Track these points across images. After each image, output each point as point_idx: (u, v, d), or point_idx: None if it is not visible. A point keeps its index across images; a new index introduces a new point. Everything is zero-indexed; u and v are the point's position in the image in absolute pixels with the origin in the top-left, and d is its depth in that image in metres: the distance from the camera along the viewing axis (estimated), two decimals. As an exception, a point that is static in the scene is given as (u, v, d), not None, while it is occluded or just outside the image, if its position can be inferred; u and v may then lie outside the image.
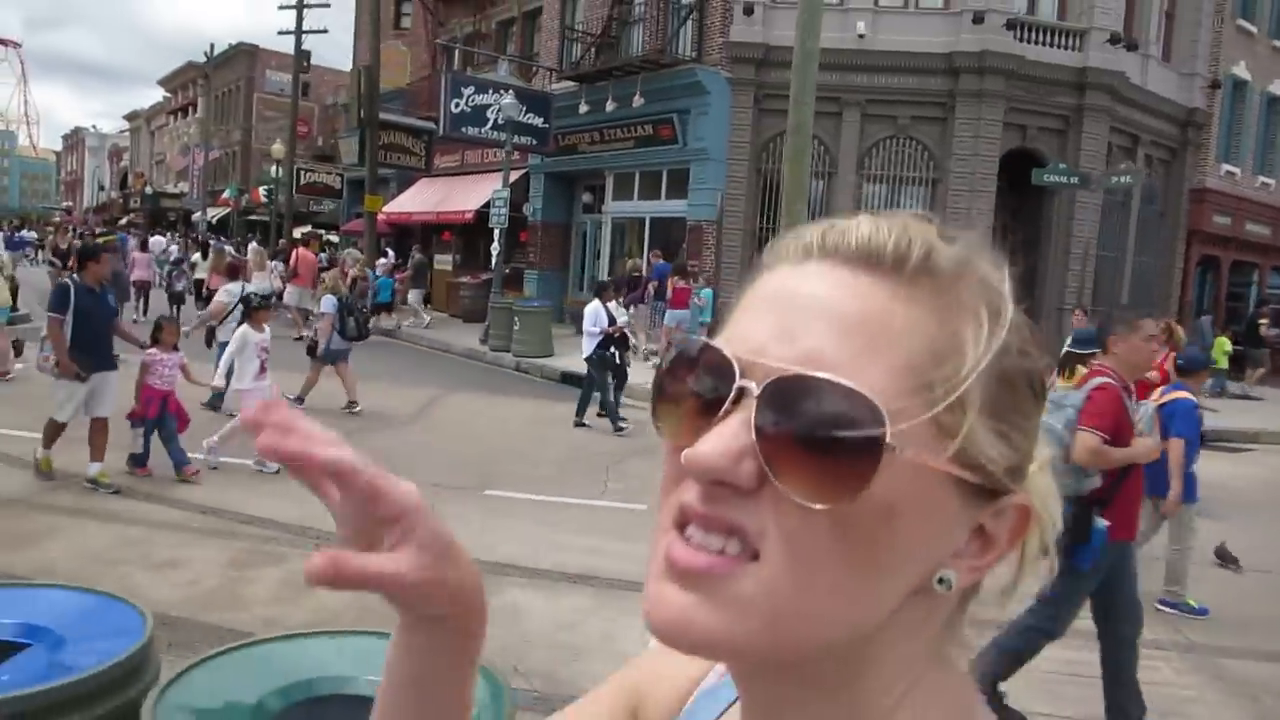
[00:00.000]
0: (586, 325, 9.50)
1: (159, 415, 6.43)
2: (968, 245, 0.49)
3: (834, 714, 0.50)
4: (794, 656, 0.47)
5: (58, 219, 62.96)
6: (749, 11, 16.25)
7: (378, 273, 19.74)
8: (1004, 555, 0.50)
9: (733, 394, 0.45)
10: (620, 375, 9.76)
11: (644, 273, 16.54)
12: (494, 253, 16.30)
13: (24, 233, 29.86)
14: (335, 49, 78.50)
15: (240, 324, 7.00)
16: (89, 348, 6.20)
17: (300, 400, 9.50)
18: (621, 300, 16.31)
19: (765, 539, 0.44)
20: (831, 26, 14.02)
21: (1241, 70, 20.02)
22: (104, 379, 6.27)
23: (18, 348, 10.55)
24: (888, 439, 0.42)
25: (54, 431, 6.20)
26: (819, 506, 0.43)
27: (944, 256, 0.48)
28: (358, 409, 9.56)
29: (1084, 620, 5.27)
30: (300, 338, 13.23)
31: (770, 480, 0.44)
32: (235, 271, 10.32)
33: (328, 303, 9.87)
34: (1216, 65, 19.34)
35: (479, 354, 15.31)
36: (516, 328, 14.54)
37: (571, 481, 7.51)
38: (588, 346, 9.49)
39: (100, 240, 14.82)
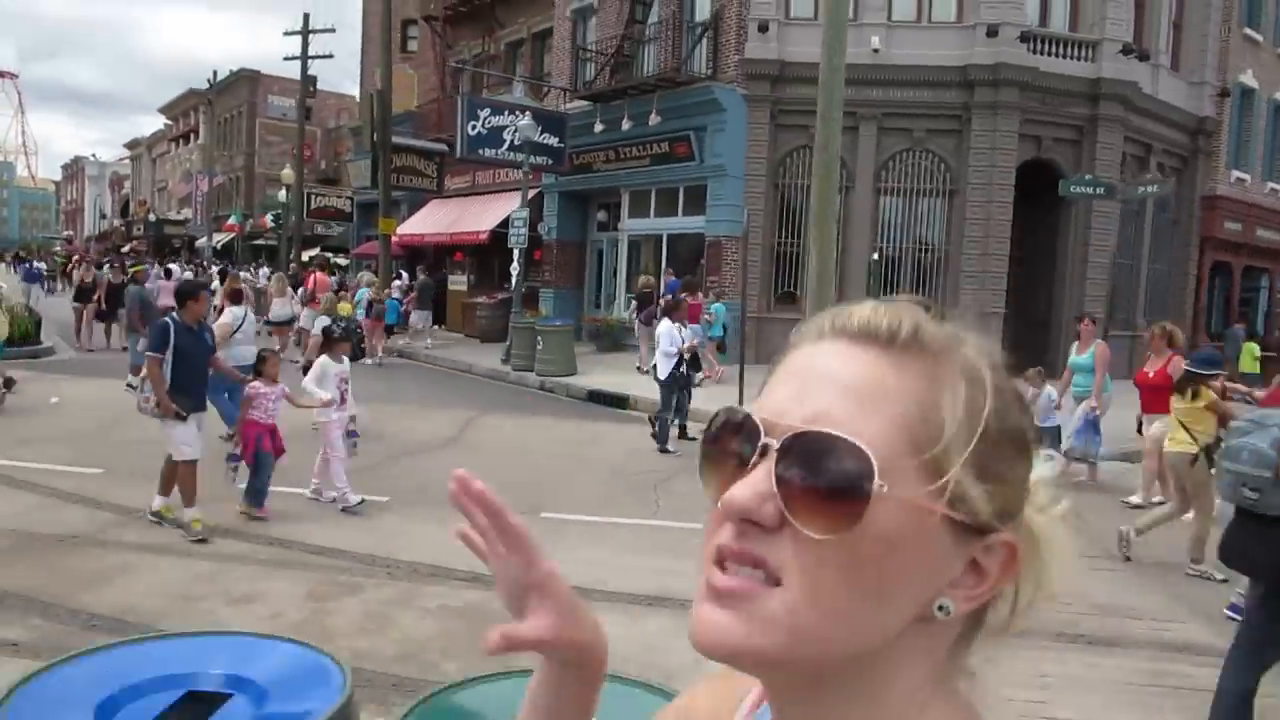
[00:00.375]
0: (664, 346, 9.43)
1: (270, 450, 6.38)
2: (954, 325, 0.59)
3: None
4: (813, 667, 0.55)
5: (58, 248, 63.05)
6: (764, 29, 16.37)
7: (393, 295, 19.80)
8: (996, 587, 0.57)
9: (759, 449, 0.55)
10: (687, 395, 9.77)
11: (656, 289, 16.54)
12: (514, 273, 16.31)
13: (37, 264, 29.82)
14: (337, 72, 78.73)
15: (319, 354, 6.94)
16: (188, 388, 6.09)
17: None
18: (639, 317, 16.41)
19: (785, 570, 0.53)
20: (847, 41, 14.06)
21: (1249, 78, 20.16)
22: (201, 418, 6.19)
23: (9, 383, 10.37)
24: (875, 479, 0.51)
25: (188, 475, 6.00)
26: (821, 536, 0.52)
27: (930, 333, 0.57)
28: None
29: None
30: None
31: (788, 520, 0.53)
32: (238, 296, 10.33)
33: (320, 324, 10.04)
34: (1225, 74, 19.48)
35: (502, 374, 15.30)
36: (540, 347, 14.54)
37: (623, 502, 7.48)
38: (664, 367, 9.39)
39: (131, 270, 14.79)
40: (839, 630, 0.53)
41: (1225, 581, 6.16)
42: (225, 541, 5.90)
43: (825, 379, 0.55)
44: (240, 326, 9.30)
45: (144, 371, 6.16)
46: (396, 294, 20.11)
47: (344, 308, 19.21)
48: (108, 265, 18.87)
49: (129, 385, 11.49)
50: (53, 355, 15.00)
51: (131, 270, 14.83)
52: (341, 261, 31.85)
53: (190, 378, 6.12)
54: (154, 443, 8.81)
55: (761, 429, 0.55)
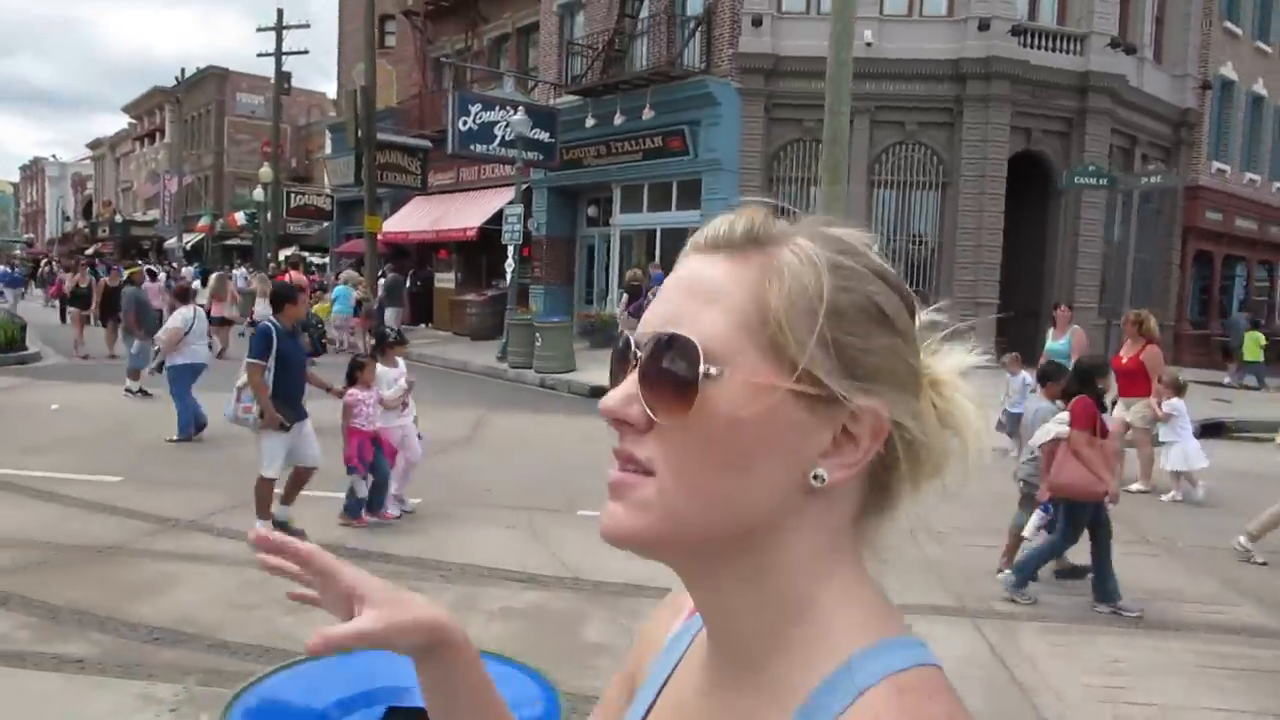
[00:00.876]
0: None
1: (375, 457, 6.18)
2: (794, 222, 0.63)
3: (761, 598, 0.61)
4: (698, 544, 0.60)
5: (19, 251, 61.56)
6: (757, 23, 16.34)
7: (378, 293, 19.58)
8: (869, 453, 0.59)
9: (631, 359, 0.61)
10: None
11: (644, 282, 16.48)
12: (508, 269, 16.15)
13: (17, 269, 29.06)
14: (306, 69, 77.27)
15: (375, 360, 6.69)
16: (289, 395, 5.81)
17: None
18: (628, 310, 16.32)
19: (654, 461, 0.58)
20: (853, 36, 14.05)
21: (1229, 71, 20.51)
22: (301, 426, 5.90)
23: None
24: (703, 364, 0.56)
25: (267, 492, 5.78)
26: (668, 422, 0.57)
27: (765, 230, 0.61)
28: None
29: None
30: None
31: (652, 418, 0.58)
32: (185, 295, 10.17)
33: None
34: (1206, 67, 19.80)
35: (499, 371, 15.14)
36: (538, 344, 14.42)
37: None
38: None
39: (127, 272, 14.41)
40: (706, 505, 0.58)
41: (1265, 564, 6.25)
42: (268, 547, 5.73)
43: (678, 288, 0.61)
44: (192, 327, 9.18)
45: (242, 379, 5.81)
46: (382, 292, 19.88)
47: (321, 309, 18.97)
48: (103, 268, 18.35)
49: (128, 390, 11.23)
50: (39, 361, 14.61)
51: (128, 272, 14.44)
52: (317, 260, 31.43)
53: (291, 385, 5.82)
54: (163, 449, 8.66)
55: (633, 341, 0.61)
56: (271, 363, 5.71)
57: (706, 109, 16.54)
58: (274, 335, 5.78)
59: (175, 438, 8.88)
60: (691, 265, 0.62)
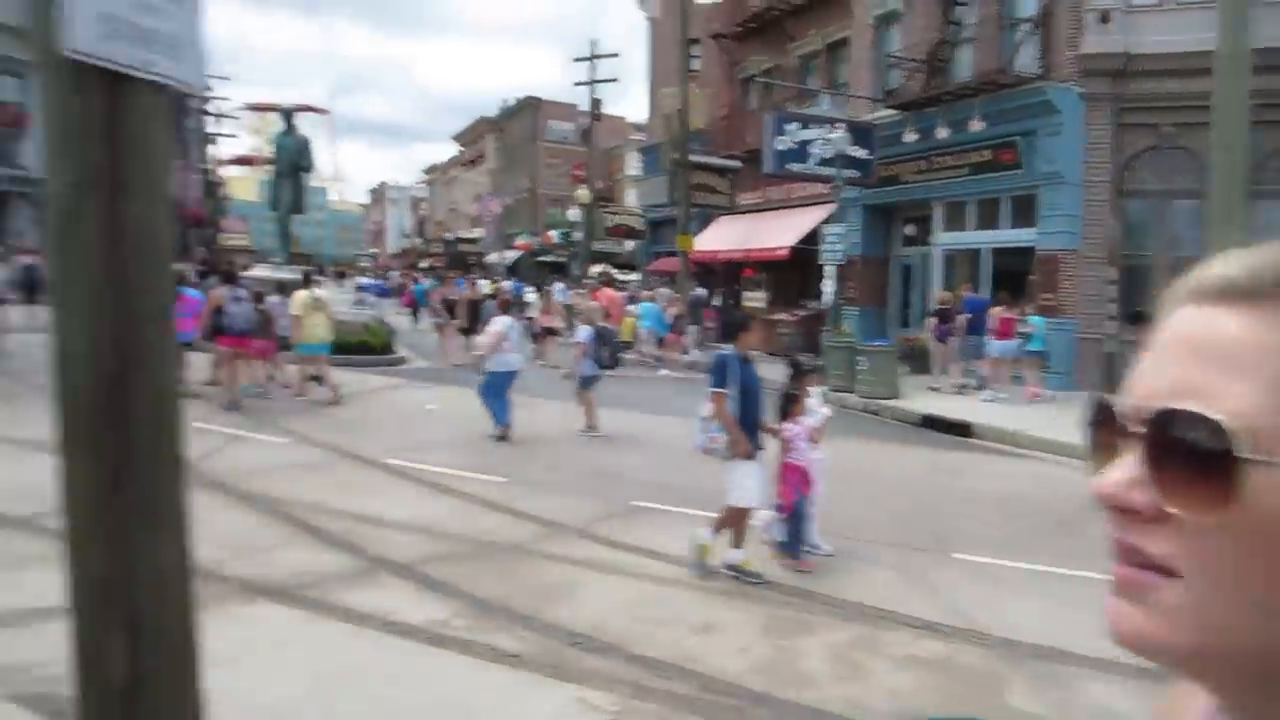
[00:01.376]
0: None
1: (808, 494, 6.10)
2: None
3: None
4: (1246, 661, 0.49)
5: (365, 264, 70.98)
6: (1105, 19, 14.83)
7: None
8: None
9: (1126, 434, 0.52)
10: None
11: (953, 305, 15.47)
12: (826, 290, 15.92)
13: (382, 281, 33.48)
14: (608, 95, 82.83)
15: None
16: (751, 424, 5.71)
17: (592, 428, 10.30)
18: (935, 333, 15.43)
19: (1175, 560, 0.49)
20: (1206, 26, 12.36)
21: None
22: (761, 457, 5.78)
23: (318, 379, 11.89)
24: (1242, 452, 0.46)
25: (735, 519, 5.66)
26: (1196, 521, 0.47)
27: None
28: (597, 434, 10.27)
29: None
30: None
31: (1165, 506, 0.48)
32: (507, 307, 10.94)
33: (583, 333, 10.64)
34: None
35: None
36: (863, 368, 14.01)
37: (1035, 544, 6.72)
38: None
39: (490, 287, 16.07)
40: (1261, 619, 0.47)
41: None
42: (651, 562, 5.90)
43: (1183, 348, 0.51)
44: (509, 335, 9.90)
45: (708, 409, 5.79)
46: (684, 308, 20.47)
47: (626, 324, 19.84)
48: (465, 281, 20.68)
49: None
50: (405, 364, 16.57)
51: (490, 288, 16.03)
52: (622, 277, 33.18)
53: (753, 415, 5.75)
54: (533, 453, 9.32)
55: (1126, 412, 0.52)
56: (735, 391, 5.69)
57: (1043, 117, 15.27)
58: (733, 364, 5.74)
59: (495, 434, 9.75)
60: (1195, 319, 0.52)
